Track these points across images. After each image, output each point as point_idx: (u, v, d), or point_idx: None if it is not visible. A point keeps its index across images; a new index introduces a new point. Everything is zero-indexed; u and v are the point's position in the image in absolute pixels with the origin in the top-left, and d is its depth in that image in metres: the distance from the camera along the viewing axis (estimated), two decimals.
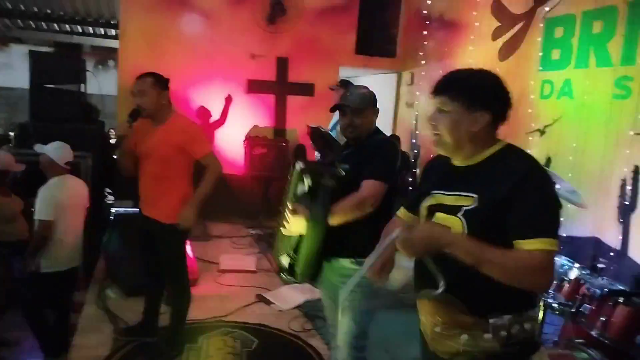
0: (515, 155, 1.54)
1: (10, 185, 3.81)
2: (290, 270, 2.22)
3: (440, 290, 1.46)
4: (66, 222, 3.37)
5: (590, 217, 3.87)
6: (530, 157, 1.53)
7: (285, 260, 2.23)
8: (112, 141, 6.73)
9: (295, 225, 2.16)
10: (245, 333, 3.55)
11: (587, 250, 3.44)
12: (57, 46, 9.72)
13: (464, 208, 1.49)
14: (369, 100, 2.37)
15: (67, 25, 8.92)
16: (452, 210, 1.52)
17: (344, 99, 2.36)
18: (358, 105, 2.32)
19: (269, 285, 4.45)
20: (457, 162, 1.61)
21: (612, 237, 3.78)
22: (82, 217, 3.57)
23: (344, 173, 2.25)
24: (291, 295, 4.21)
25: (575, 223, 3.82)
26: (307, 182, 2.17)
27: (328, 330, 2.67)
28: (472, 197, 1.49)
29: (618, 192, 3.79)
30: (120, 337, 3.29)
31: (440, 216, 1.56)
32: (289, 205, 2.20)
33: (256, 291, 4.32)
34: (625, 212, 3.71)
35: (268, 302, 4.14)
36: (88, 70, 5.09)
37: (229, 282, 4.54)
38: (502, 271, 1.39)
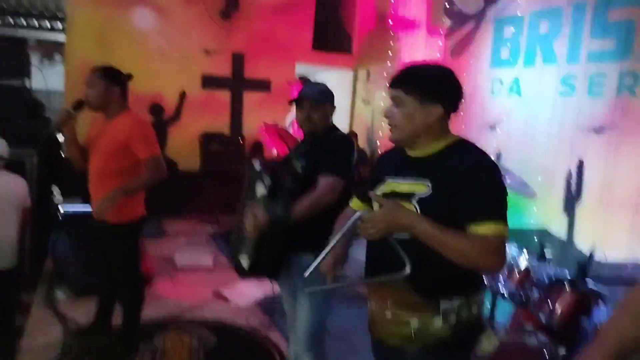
0: (467, 148, 1.61)
1: None
2: (252, 268, 2.21)
3: (407, 270, 1.48)
4: None
5: (538, 209, 4.03)
6: (480, 149, 1.60)
7: (245, 261, 2.22)
8: (60, 138, 6.48)
9: (255, 226, 2.15)
10: (203, 330, 3.50)
11: (535, 240, 3.58)
12: (0, 40, 9.27)
13: (418, 195, 1.54)
14: (327, 95, 2.40)
15: (10, 18, 8.50)
16: (406, 197, 1.56)
17: (302, 92, 2.37)
18: (316, 98, 2.34)
19: (226, 282, 4.41)
20: (411, 152, 1.65)
21: (558, 228, 3.95)
22: (15, 216, 3.39)
23: (300, 170, 2.26)
24: (249, 291, 4.18)
25: (524, 215, 3.97)
26: (266, 183, 2.16)
27: (286, 324, 2.67)
28: (426, 184, 1.54)
29: (564, 184, 3.97)
30: (71, 339, 3.18)
31: None
32: (249, 206, 2.19)
33: (213, 287, 4.27)
34: (570, 204, 3.88)
35: (226, 299, 4.10)
36: (33, 65, 4.88)
37: (186, 279, 4.47)
38: (459, 253, 1.45)
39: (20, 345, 3.13)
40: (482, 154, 1.57)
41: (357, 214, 1.52)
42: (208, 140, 6.59)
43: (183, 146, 6.45)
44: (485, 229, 1.45)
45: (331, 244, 1.59)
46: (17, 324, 3.75)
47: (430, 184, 1.53)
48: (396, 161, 1.70)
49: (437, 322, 1.55)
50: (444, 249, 1.45)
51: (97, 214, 2.82)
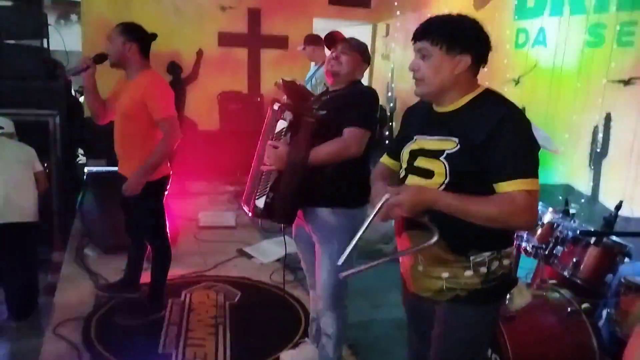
0: (494, 99, 1.56)
1: None
2: (267, 210, 2.21)
3: (434, 239, 1.49)
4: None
5: (562, 164, 3.96)
6: (508, 101, 1.55)
7: (261, 201, 2.22)
8: (81, 99, 6.52)
9: (274, 161, 2.15)
10: (228, 286, 3.59)
11: (560, 196, 3.53)
12: (16, 1, 9.22)
13: (446, 151, 1.51)
14: (364, 48, 2.40)
15: None
16: (434, 154, 1.54)
17: (336, 32, 2.37)
18: (349, 42, 2.35)
19: (249, 240, 4.49)
20: (438, 107, 1.62)
21: (583, 184, 3.89)
22: (28, 176, 3.49)
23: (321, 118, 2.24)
24: (271, 249, 4.25)
25: (548, 170, 3.91)
26: (288, 117, 2.15)
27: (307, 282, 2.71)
28: (454, 140, 1.51)
29: (590, 139, 3.88)
30: (102, 294, 3.30)
31: (422, 160, 1.58)
32: (269, 142, 2.18)
33: (236, 246, 4.35)
34: (596, 159, 3.81)
35: (249, 256, 4.18)
36: (50, 25, 4.85)
37: (209, 238, 4.56)
38: (488, 218, 1.44)
39: (53, 302, 3.25)
40: (511, 106, 1.53)
41: (385, 197, 1.52)
42: (226, 99, 6.55)
43: (202, 106, 6.42)
44: (512, 186, 1.42)
45: (362, 229, 1.60)
46: (49, 281, 3.91)
47: (457, 139, 1.51)
48: (423, 117, 1.67)
49: (468, 274, 1.56)
50: (471, 218, 1.45)
51: (128, 192, 2.88)
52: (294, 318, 3.20)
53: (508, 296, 1.72)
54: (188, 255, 4.07)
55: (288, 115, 2.16)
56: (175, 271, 3.49)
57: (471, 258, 1.55)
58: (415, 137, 1.64)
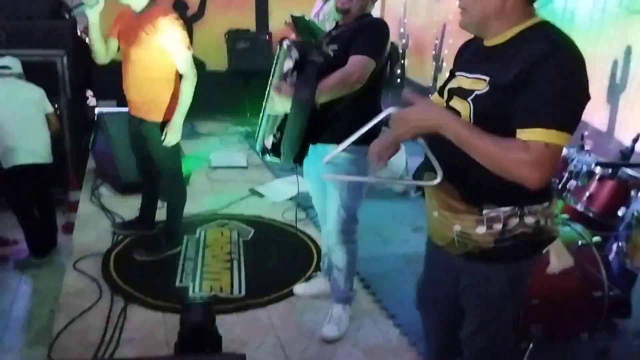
0: (543, 34, 1.32)
1: None
2: (275, 150, 2.21)
3: (437, 180, 1.41)
4: (10, 117, 3.35)
5: None
6: (558, 38, 1.31)
7: (269, 141, 2.22)
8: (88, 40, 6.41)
9: (280, 102, 2.12)
10: (241, 224, 3.66)
11: (575, 132, 3.47)
12: None
13: (475, 92, 1.36)
14: None
15: None
16: (465, 94, 1.39)
17: None
18: None
19: (261, 180, 4.53)
20: (486, 41, 1.43)
21: (599, 120, 3.81)
22: (39, 116, 3.52)
23: (332, 53, 2.18)
24: (283, 188, 4.29)
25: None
26: (294, 56, 2.10)
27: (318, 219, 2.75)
28: (484, 79, 1.35)
29: (609, 73, 3.76)
30: (119, 232, 3.38)
31: (456, 101, 1.43)
32: (275, 82, 2.15)
33: (248, 186, 4.39)
34: (614, 94, 3.70)
35: (261, 196, 4.23)
36: None
37: (221, 178, 4.60)
38: (492, 160, 1.28)
39: (72, 240, 3.34)
40: (556, 45, 1.28)
41: (389, 109, 1.41)
42: (234, 38, 6.39)
43: (209, 45, 6.28)
44: (531, 135, 1.24)
45: (358, 133, 1.51)
46: (67, 220, 4.01)
47: (487, 80, 1.34)
48: (471, 52, 1.51)
49: (480, 229, 1.42)
50: (476, 153, 1.29)
51: (172, 142, 2.94)
52: (306, 254, 3.28)
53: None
54: (201, 194, 4.13)
55: (294, 54, 2.11)
56: (189, 209, 3.54)
57: (484, 212, 1.40)
58: (456, 74, 1.50)
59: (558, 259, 1.49)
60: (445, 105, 1.48)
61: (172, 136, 2.93)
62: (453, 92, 1.46)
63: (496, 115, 1.32)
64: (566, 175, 2.51)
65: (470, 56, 1.50)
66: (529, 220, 1.40)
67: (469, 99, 1.37)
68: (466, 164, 1.34)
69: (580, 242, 2.28)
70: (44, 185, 3.75)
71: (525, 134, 1.25)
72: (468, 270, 1.54)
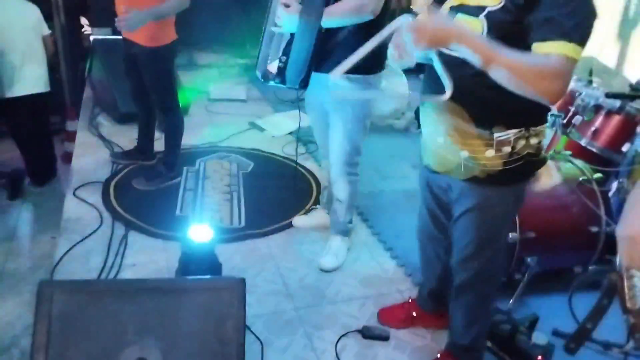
0: None
1: None
2: (280, 74, 2.16)
3: (446, 95, 1.37)
4: (11, 45, 3.27)
5: None
6: None
7: (273, 66, 2.16)
8: None
9: (286, 22, 2.05)
10: (241, 157, 3.64)
11: (583, 69, 3.39)
12: None
13: (488, 9, 1.33)
14: None
15: None
16: (474, 11, 1.37)
17: None
18: None
19: (261, 114, 4.47)
20: None
21: (608, 56, 3.72)
22: (37, 42, 3.44)
23: None
24: (283, 122, 4.24)
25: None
26: None
27: (319, 152, 2.72)
28: None
29: (622, 9, 3.63)
30: (118, 161, 3.37)
31: (461, 17, 1.41)
32: (281, 1, 2.07)
33: (248, 119, 4.34)
34: (626, 29, 3.59)
35: (261, 129, 4.19)
36: None
37: (220, 110, 4.54)
38: (512, 74, 1.26)
39: (71, 169, 3.33)
40: None
41: (402, 18, 1.33)
42: None
43: None
44: (552, 47, 1.24)
45: (367, 46, 1.44)
46: (65, 150, 3.99)
47: None
48: None
49: (489, 153, 1.45)
50: (496, 68, 1.27)
51: (124, 27, 2.71)
52: (306, 187, 3.28)
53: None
54: (200, 126, 4.09)
55: None
56: (188, 141, 3.52)
57: (495, 135, 1.42)
58: None
59: (548, 176, 1.55)
60: None
61: (125, 21, 2.66)
62: (456, 10, 1.43)
63: (511, 30, 1.31)
64: (572, 109, 2.47)
65: None
66: (534, 141, 1.46)
67: (481, 16, 1.34)
68: (479, 86, 1.35)
69: (581, 178, 2.27)
70: (43, 114, 3.71)
71: (544, 47, 1.25)
72: (471, 194, 1.55)
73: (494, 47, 1.27)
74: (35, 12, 3.54)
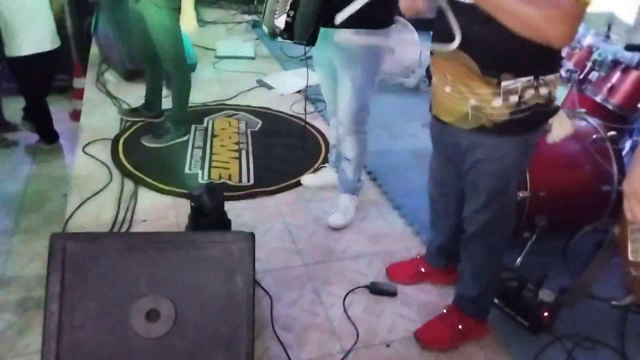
0: None
1: None
2: (288, 29, 2.10)
3: (455, 43, 1.34)
4: (16, 3, 3.22)
5: None
6: None
7: (281, 20, 2.11)
8: None
9: None
10: (249, 115, 3.61)
11: (601, 24, 3.29)
12: None
13: None
14: None
15: None
16: None
17: None
18: None
19: (269, 72, 4.41)
20: None
21: (627, 13, 3.60)
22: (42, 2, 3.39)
23: None
24: (292, 80, 4.19)
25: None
26: None
27: (327, 110, 2.69)
28: None
29: None
30: (126, 118, 3.35)
31: None
32: None
33: (256, 77, 4.29)
34: None
35: (269, 87, 4.14)
36: None
37: (228, 68, 4.48)
38: (521, 17, 1.25)
39: (80, 126, 3.33)
40: None
41: None
42: None
43: None
44: None
45: None
46: (74, 108, 3.98)
47: None
48: None
49: (496, 102, 1.43)
50: (505, 14, 1.26)
51: (189, 35, 2.91)
52: (314, 146, 3.26)
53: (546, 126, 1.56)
54: (208, 83, 4.05)
55: None
56: (196, 99, 3.49)
57: (503, 84, 1.40)
58: None
59: (560, 127, 1.53)
60: None
61: (187, 23, 2.83)
62: None
63: None
64: (589, 65, 2.40)
65: None
66: (543, 91, 1.43)
67: None
68: (488, 32, 1.33)
69: (594, 136, 2.23)
70: (52, 71, 3.69)
71: None
72: (479, 144, 1.55)
73: None
74: None
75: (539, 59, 1.38)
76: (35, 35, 3.42)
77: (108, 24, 3.98)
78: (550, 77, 1.44)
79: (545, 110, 1.48)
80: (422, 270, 2.14)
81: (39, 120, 3.76)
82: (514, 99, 1.42)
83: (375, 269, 2.24)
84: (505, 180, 1.60)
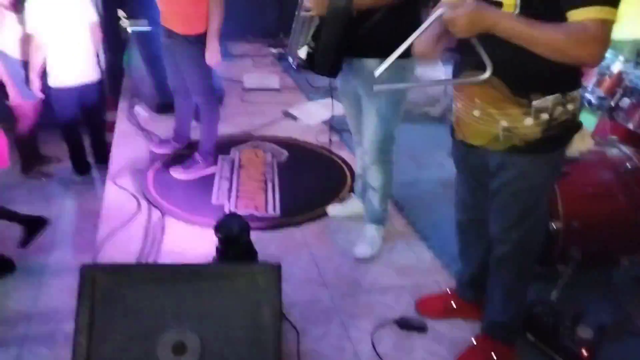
0: None
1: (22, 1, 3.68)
2: (310, 60, 2.14)
3: (487, 74, 1.38)
4: (64, 35, 3.35)
5: (636, 15, 3.56)
6: None
7: (303, 51, 2.14)
8: None
9: (315, 5, 2.04)
10: (275, 146, 3.64)
11: (631, 50, 3.23)
12: None
13: None
14: None
15: None
16: None
17: None
18: None
19: (294, 103, 4.46)
20: None
21: None
22: (85, 31, 3.51)
23: None
24: (317, 111, 4.22)
25: (620, 22, 3.54)
26: None
27: (352, 139, 2.69)
28: None
29: None
30: (155, 149, 3.42)
31: None
32: None
33: (282, 108, 4.34)
34: None
35: (294, 118, 4.18)
36: None
37: (254, 100, 4.55)
38: (552, 47, 1.29)
39: (111, 156, 3.41)
40: None
41: (439, 12, 1.36)
42: None
43: None
44: (587, 13, 1.26)
45: (408, 41, 1.45)
46: (105, 139, 4.08)
47: None
48: None
49: (528, 121, 1.46)
50: (534, 45, 1.31)
51: (214, 62, 2.96)
52: (340, 176, 3.26)
53: None
54: (235, 115, 4.11)
55: None
56: (223, 130, 3.54)
57: (533, 103, 1.43)
58: None
59: (582, 141, 1.55)
60: None
61: (211, 57, 2.92)
62: None
63: (543, 1, 1.33)
64: (620, 92, 2.36)
65: None
66: (570, 106, 1.47)
67: None
68: (516, 54, 1.35)
69: (628, 165, 2.17)
70: (93, 103, 3.80)
71: (580, 14, 1.27)
72: (510, 163, 1.55)
73: (530, 26, 1.30)
74: (84, 0, 3.62)
75: (565, 76, 1.43)
76: (77, 66, 3.55)
77: (140, 59, 4.11)
78: (574, 93, 1.48)
79: (572, 126, 1.52)
80: (453, 304, 2.08)
81: (73, 152, 3.86)
82: (545, 116, 1.45)
83: (404, 302, 2.19)
84: (535, 197, 1.60)
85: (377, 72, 1.47)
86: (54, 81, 3.49)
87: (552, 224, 2.04)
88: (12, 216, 2.87)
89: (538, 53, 1.31)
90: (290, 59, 2.26)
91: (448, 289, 2.17)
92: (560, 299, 2.09)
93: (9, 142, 2.87)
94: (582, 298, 2.11)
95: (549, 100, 1.44)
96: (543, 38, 1.29)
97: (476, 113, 1.55)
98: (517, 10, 1.36)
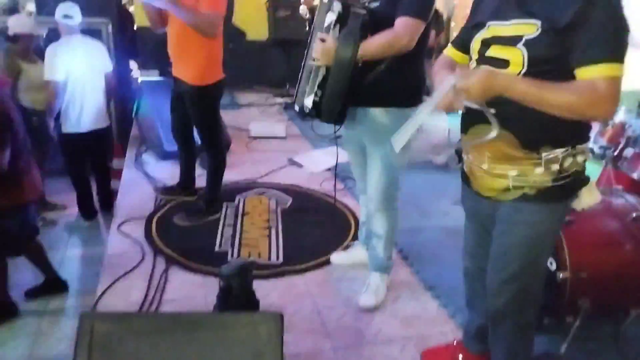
0: None
1: (37, 52, 3.81)
2: (316, 108, 2.17)
3: (493, 134, 1.40)
4: (80, 83, 3.45)
5: (634, 68, 3.63)
6: None
7: (309, 100, 2.18)
8: (131, 9, 6.49)
9: (321, 56, 2.09)
10: (279, 192, 3.66)
11: (633, 101, 3.27)
12: None
13: (525, 37, 1.36)
14: None
15: None
16: (511, 40, 1.40)
17: None
18: None
19: (299, 151, 4.52)
20: None
21: None
22: (100, 80, 3.62)
23: (374, 8, 2.12)
24: (321, 158, 4.27)
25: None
26: (337, 8, 2.05)
27: (357, 187, 2.70)
28: (535, 23, 1.35)
29: None
30: (161, 196, 3.44)
31: (496, 49, 1.44)
32: (318, 35, 2.11)
33: (287, 155, 4.39)
34: None
35: (299, 165, 4.22)
36: None
37: (260, 148, 4.61)
38: (565, 108, 1.31)
39: (116, 204, 3.43)
40: None
41: (450, 83, 1.39)
42: (275, 6, 6.32)
43: (250, 14, 6.24)
44: (595, 71, 1.28)
45: (421, 115, 1.48)
46: (112, 187, 4.13)
47: (539, 22, 1.34)
48: (496, 1, 1.49)
49: (538, 171, 1.46)
50: (546, 107, 1.33)
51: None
52: (344, 223, 3.25)
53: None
54: (240, 163, 4.16)
55: (337, 6, 2.06)
56: (229, 177, 3.57)
57: (543, 155, 1.44)
58: (488, 24, 1.48)
59: (590, 195, 1.54)
60: (477, 56, 1.50)
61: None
62: (489, 42, 1.46)
63: (551, 56, 1.34)
64: (623, 141, 2.38)
65: (498, 4, 1.48)
66: (580, 158, 1.48)
67: (519, 45, 1.38)
68: (524, 111, 1.36)
69: (634, 214, 2.16)
70: (102, 149, 3.87)
71: (588, 72, 1.30)
72: (518, 209, 1.54)
73: (541, 89, 1.32)
74: (101, 50, 3.75)
75: (575, 130, 1.45)
76: (91, 113, 3.64)
77: (149, 108, 4.20)
78: (584, 145, 1.49)
79: (581, 178, 1.52)
80: (460, 356, 2.02)
81: (80, 197, 3.89)
82: (555, 167, 1.46)
83: (409, 354, 2.13)
84: (539, 248, 1.59)
85: (397, 144, 1.53)
86: (67, 127, 3.56)
87: (559, 274, 2.01)
88: (45, 264, 2.88)
89: (550, 113, 1.33)
90: (296, 107, 2.30)
91: (454, 340, 2.11)
92: (569, 352, 2.03)
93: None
94: (594, 351, 2.05)
95: (559, 152, 1.44)
96: (555, 101, 1.31)
97: (484, 166, 1.55)
98: (525, 69, 1.37)
